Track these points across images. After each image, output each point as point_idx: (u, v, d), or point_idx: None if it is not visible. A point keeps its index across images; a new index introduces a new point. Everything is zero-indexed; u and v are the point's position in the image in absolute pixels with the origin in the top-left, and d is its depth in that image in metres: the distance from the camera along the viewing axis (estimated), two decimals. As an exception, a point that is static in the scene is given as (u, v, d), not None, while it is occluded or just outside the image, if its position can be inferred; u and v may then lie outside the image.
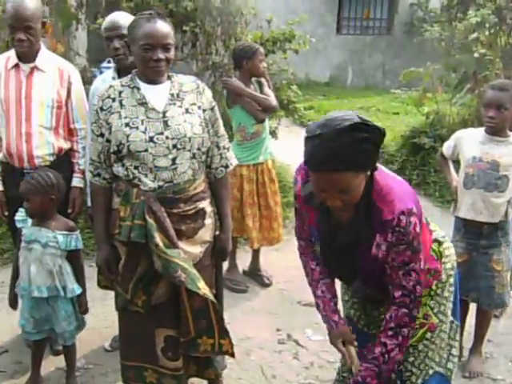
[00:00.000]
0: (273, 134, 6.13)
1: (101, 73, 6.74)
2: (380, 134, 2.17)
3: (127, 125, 2.78)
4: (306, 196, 2.42)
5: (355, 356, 2.50)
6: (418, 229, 2.26)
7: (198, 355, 3.01)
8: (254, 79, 4.58)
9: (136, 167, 2.79)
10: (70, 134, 3.70)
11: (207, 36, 5.65)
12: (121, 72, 3.49)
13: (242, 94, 4.46)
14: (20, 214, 3.34)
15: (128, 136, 2.76)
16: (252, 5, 5.83)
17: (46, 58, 3.58)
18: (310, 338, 4.04)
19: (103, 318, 4.04)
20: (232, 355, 3.05)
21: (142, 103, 2.81)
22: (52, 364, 3.69)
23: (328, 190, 2.18)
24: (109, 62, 7.01)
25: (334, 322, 2.56)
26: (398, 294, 2.35)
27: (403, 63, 12.47)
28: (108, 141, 2.83)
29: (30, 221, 3.32)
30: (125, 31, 3.31)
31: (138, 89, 2.84)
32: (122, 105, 2.82)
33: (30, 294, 3.28)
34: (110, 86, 2.89)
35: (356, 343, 2.54)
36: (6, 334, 3.97)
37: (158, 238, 2.76)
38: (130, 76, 2.91)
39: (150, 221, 2.76)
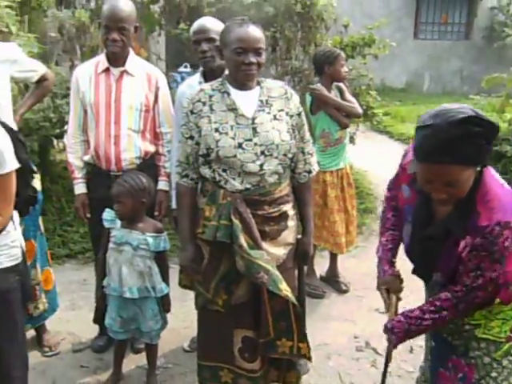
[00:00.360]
0: (351, 139, 6.09)
1: (182, 78, 6.92)
2: (493, 129, 2.10)
3: (217, 130, 2.81)
4: (411, 174, 2.38)
5: (394, 305, 2.54)
6: (507, 243, 2.20)
7: (275, 356, 3.01)
8: (334, 84, 4.57)
9: (224, 170, 2.83)
10: (156, 137, 3.75)
11: (287, 41, 5.67)
12: (207, 76, 3.54)
13: (329, 102, 4.45)
14: (108, 214, 3.41)
15: (217, 141, 2.79)
16: (332, 10, 5.80)
17: (134, 62, 3.66)
18: (389, 346, 3.99)
19: (182, 318, 4.10)
20: (309, 359, 3.06)
21: (232, 109, 2.84)
22: (132, 362, 3.78)
23: (434, 181, 2.14)
24: (185, 66, 7.15)
25: (384, 271, 2.59)
26: (457, 288, 2.30)
27: (482, 69, 12.20)
28: (197, 143, 2.88)
29: (118, 222, 3.39)
30: (212, 34, 3.38)
31: (228, 94, 2.87)
32: (212, 109, 2.86)
33: (121, 295, 3.36)
34: (201, 90, 2.93)
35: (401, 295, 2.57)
36: (89, 330, 4.06)
37: (243, 239, 2.79)
38: (220, 80, 2.94)
39: (236, 221, 2.79)
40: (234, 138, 2.79)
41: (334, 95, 4.53)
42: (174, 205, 3.71)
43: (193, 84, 3.59)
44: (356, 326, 4.28)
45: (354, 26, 6.49)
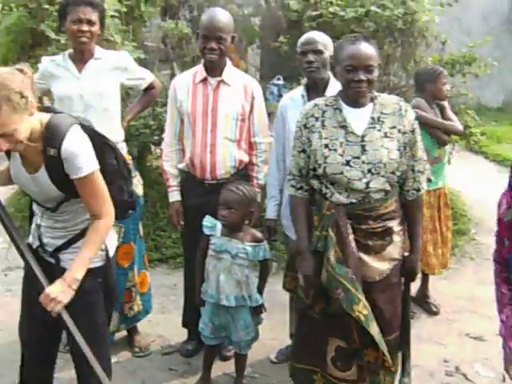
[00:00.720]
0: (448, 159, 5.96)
1: (278, 90, 6.98)
2: None
3: (326, 146, 2.85)
4: (509, 221, 2.33)
5: None
6: None
7: (362, 364, 3.01)
8: (435, 102, 4.49)
9: (331, 184, 2.86)
10: (250, 147, 3.79)
11: (386, 57, 5.61)
12: (310, 88, 3.55)
13: (428, 123, 4.37)
14: (208, 221, 3.46)
15: (326, 158, 2.83)
16: (434, 27, 5.71)
17: (231, 72, 3.72)
18: (480, 373, 3.86)
19: (269, 329, 4.11)
20: (396, 373, 3.08)
21: (343, 126, 2.87)
22: (220, 369, 3.82)
23: None
24: (278, 79, 7.21)
25: (510, 349, 2.48)
26: None
27: None
28: (309, 157, 2.93)
29: (218, 229, 3.43)
30: (320, 46, 3.41)
31: (340, 110, 2.90)
32: (323, 125, 2.90)
33: (217, 302, 3.40)
34: (315, 105, 2.98)
35: None
36: (178, 334, 4.14)
37: (332, 252, 2.82)
38: (334, 96, 2.97)
39: (331, 234, 2.82)
40: (342, 155, 2.82)
41: (434, 113, 4.45)
42: (268, 214, 3.74)
43: (295, 97, 3.63)
44: (446, 349, 4.17)
45: (452, 43, 6.36)
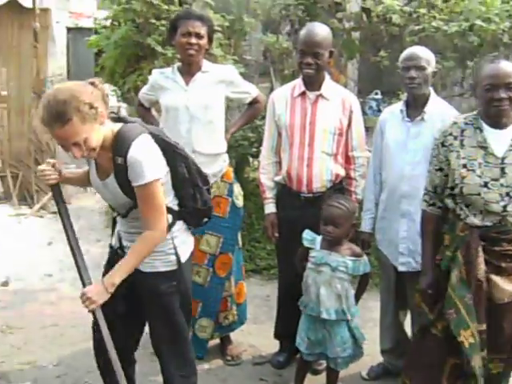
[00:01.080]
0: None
1: (377, 104, 6.92)
2: None
3: (464, 166, 2.85)
4: None
5: None
6: None
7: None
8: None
9: (466, 205, 2.86)
10: (348, 161, 3.78)
11: (490, 71, 5.45)
12: (409, 104, 3.52)
13: None
14: (308, 234, 3.49)
15: (463, 178, 2.83)
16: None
17: (330, 87, 3.73)
18: None
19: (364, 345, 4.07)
20: None
21: (483, 146, 2.86)
22: (310, 382, 3.78)
23: None
24: (376, 94, 7.15)
25: None
26: None
27: None
28: (446, 175, 2.95)
29: (317, 242, 3.46)
30: (423, 63, 3.38)
31: (481, 130, 2.88)
32: (462, 144, 2.90)
33: (317, 315, 3.41)
34: (454, 123, 2.98)
35: None
36: (269, 345, 4.17)
37: (456, 273, 2.83)
38: (474, 115, 2.95)
39: (459, 255, 2.83)
40: (480, 177, 2.81)
41: None
42: (363, 228, 3.72)
43: (394, 111, 3.60)
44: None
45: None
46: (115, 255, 2.92)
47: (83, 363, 3.82)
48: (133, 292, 2.85)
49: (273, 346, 4.13)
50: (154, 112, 4.25)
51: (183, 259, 2.89)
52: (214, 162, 3.85)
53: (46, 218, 6.89)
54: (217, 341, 4.20)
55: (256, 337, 4.39)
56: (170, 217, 2.80)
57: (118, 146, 2.65)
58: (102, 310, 2.72)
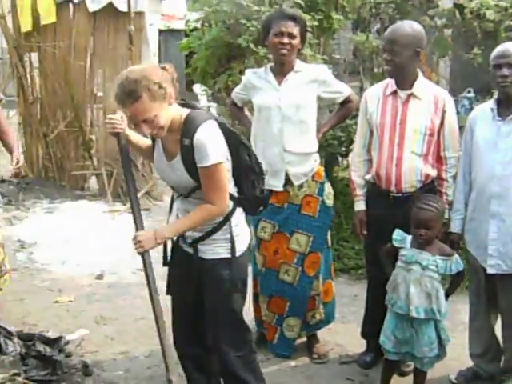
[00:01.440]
0: None
1: (470, 103, 6.75)
2: None
3: None
4: None
5: None
6: None
7: None
8: None
9: None
10: (439, 161, 3.72)
11: None
12: (500, 103, 3.44)
13: None
14: (398, 234, 3.48)
15: None
16: None
17: (422, 85, 3.68)
18: None
19: (450, 348, 3.95)
20: None
21: None
22: (397, 383, 3.75)
23: None
24: (469, 92, 6.98)
25: None
26: None
27: None
28: None
29: (407, 241, 3.44)
30: None
31: None
32: None
33: (406, 314, 3.39)
34: None
35: None
36: (356, 345, 4.17)
37: None
38: None
39: None
40: None
41: None
42: (452, 228, 3.65)
43: (485, 109, 3.53)
44: None
45: None
46: (177, 244, 3.13)
47: (173, 356, 3.92)
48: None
49: (360, 345, 4.12)
50: (246, 111, 4.32)
51: (242, 247, 3.03)
52: (305, 162, 3.88)
53: (138, 215, 7.07)
54: (304, 339, 4.22)
55: (343, 336, 4.39)
56: (230, 203, 2.94)
57: (186, 128, 2.82)
58: (174, 299, 3.08)
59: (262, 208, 3.21)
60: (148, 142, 3.14)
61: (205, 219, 2.89)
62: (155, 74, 2.72)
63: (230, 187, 2.96)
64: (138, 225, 2.96)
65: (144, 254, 2.91)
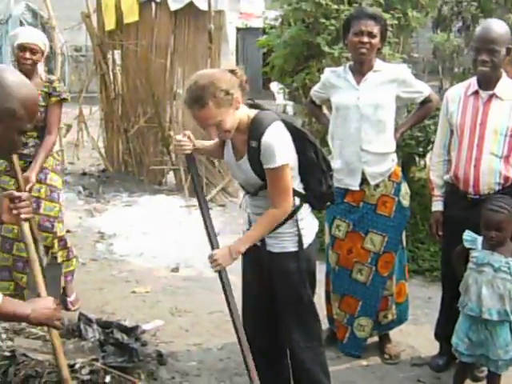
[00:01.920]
0: None
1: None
2: None
3: None
4: None
5: None
6: None
7: None
8: None
9: None
10: (520, 164, 3.64)
11: None
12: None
13: None
14: (469, 235, 3.43)
15: None
16: None
17: (505, 85, 3.60)
18: None
19: None
20: None
21: None
22: (469, 387, 3.72)
23: None
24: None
25: None
26: None
27: None
28: None
29: (479, 243, 3.40)
30: None
31: None
32: None
33: (478, 316, 3.35)
34: None
35: None
36: (428, 347, 4.13)
37: None
38: None
39: None
40: None
41: None
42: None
43: None
44: None
45: None
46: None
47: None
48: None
49: (432, 348, 4.08)
50: (324, 110, 4.34)
51: (309, 240, 3.08)
52: (383, 162, 3.88)
53: (214, 210, 7.18)
54: (375, 338, 4.22)
55: (415, 338, 4.35)
56: (297, 200, 3.00)
57: (254, 130, 2.88)
58: (247, 299, 3.14)
59: (328, 204, 3.25)
60: (215, 141, 3.21)
61: (272, 224, 2.96)
62: (223, 80, 2.78)
63: (297, 183, 3.02)
64: (214, 243, 3.03)
65: (221, 272, 2.97)
